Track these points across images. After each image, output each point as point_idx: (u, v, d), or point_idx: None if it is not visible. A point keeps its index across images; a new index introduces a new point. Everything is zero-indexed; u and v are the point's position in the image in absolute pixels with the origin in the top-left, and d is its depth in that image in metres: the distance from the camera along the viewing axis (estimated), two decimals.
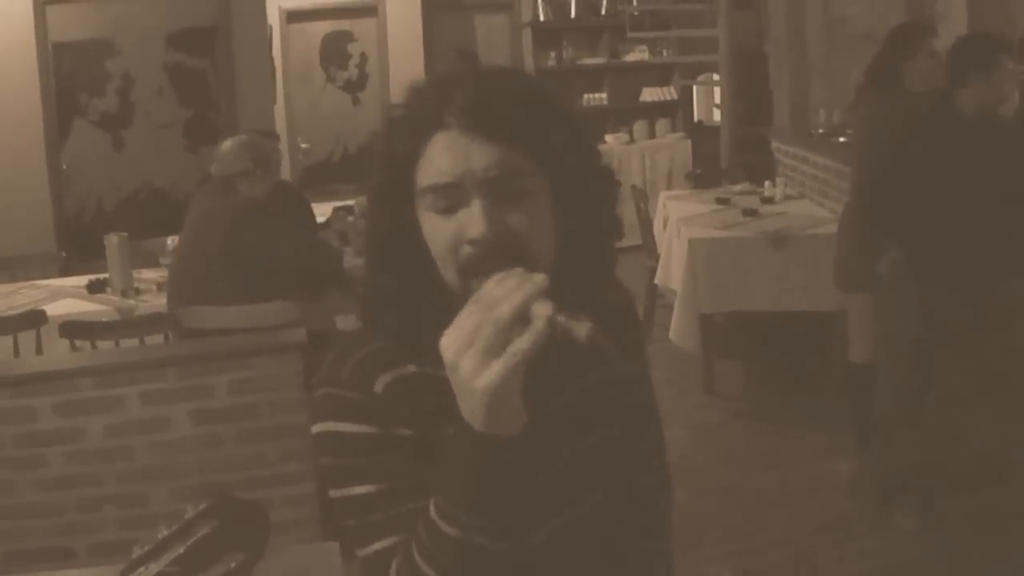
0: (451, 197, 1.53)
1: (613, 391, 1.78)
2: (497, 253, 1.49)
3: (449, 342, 1.38)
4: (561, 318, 1.33)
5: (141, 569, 1.63)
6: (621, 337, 1.78)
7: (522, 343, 1.33)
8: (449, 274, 1.56)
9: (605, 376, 1.76)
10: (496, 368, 1.34)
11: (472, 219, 1.51)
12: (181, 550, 1.63)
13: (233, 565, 1.74)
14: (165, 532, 1.65)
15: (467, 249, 1.52)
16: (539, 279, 1.36)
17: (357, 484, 1.62)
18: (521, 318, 1.35)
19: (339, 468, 1.64)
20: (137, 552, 1.62)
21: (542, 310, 1.34)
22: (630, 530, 1.87)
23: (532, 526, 1.65)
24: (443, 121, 1.54)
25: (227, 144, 5.68)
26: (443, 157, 1.53)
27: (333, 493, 1.66)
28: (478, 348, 1.34)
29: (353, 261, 6.80)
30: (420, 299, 1.63)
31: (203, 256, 5.40)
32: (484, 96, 1.55)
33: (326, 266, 5.67)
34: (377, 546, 1.60)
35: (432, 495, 1.49)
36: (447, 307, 1.51)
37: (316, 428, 1.65)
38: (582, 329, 1.32)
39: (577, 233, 1.63)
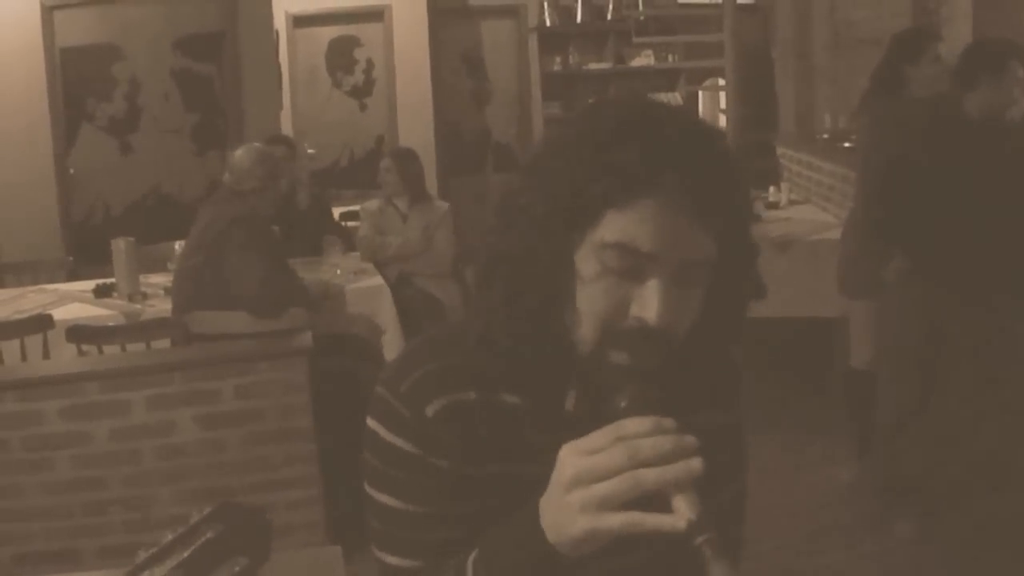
0: (635, 263, 1.43)
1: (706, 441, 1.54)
2: (653, 340, 1.42)
3: (574, 461, 1.32)
4: (702, 541, 1.24)
5: (145, 573, 1.65)
6: (722, 383, 1.79)
7: (649, 523, 1.27)
8: (588, 327, 1.47)
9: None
10: (611, 522, 1.29)
11: (647, 300, 1.42)
12: (185, 554, 1.65)
13: (237, 569, 1.75)
14: (170, 536, 1.67)
15: (628, 322, 1.44)
16: (695, 466, 1.26)
17: (388, 493, 1.61)
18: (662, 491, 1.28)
19: (375, 469, 1.62)
20: (142, 556, 1.64)
21: (685, 508, 1.25)
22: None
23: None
24: (658, 184, 1.41)
25: (241, 155, 5.62)
26: (648, 226, 1.42)
27: (367, 488, 1.64)
28: (603, 492, 1.29)
29: (361, 266, 6.83)
30: (538, 333, 1.51)
31: (203, 263, 5.42)
32: (704, 176, 1.43)
33: (286, 299, 5.55)
34: (394, 561, 1.61)
35: (476, 550, 1.48)
36: (552, 348, 1.50)
37: (367, 420, 1.63)
38: (718, 571, 1.23)
39: (720, 305, 1.53)
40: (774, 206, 8.11)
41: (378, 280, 6.55)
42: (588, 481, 1.29)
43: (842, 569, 5.00)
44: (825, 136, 8.91)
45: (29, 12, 9.49)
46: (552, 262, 1.47)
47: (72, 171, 9.88)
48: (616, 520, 1.28)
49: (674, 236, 1.41)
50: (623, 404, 1.37)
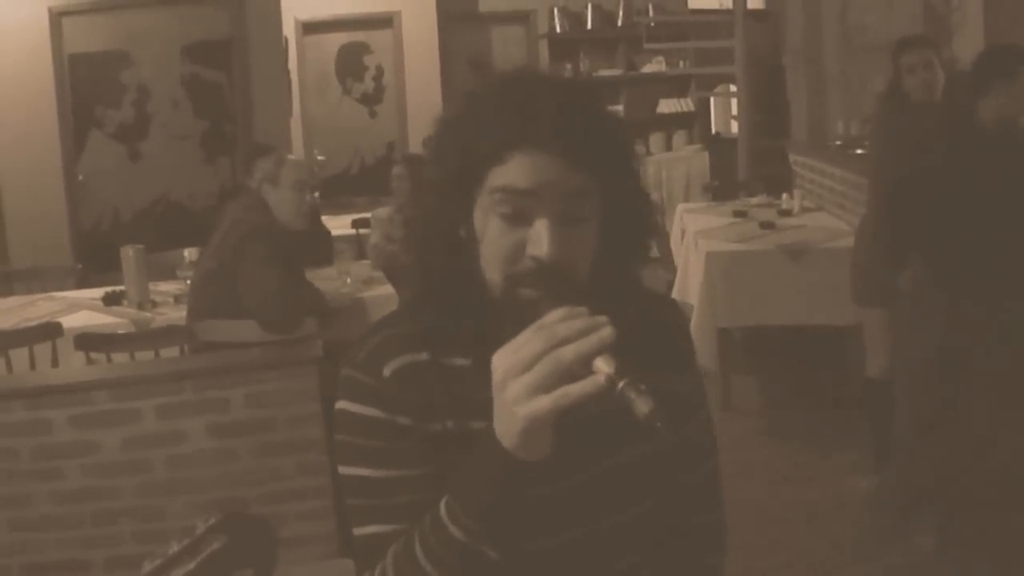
0: (521, 205, 1.57)
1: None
2: (553, 273, 1.53)
3: (502, 361, 1.42)
4: (623, 385, 1.34)
5: None
6: (672, 354, 1.86)
7: (575, 390, 1.36)
8: (495, 275, 1.59)
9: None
10: (543, 403, 1.37)
11: (538, 237, 1.55)
12: (191, 565, 1.63)
13: None
14: (175, 547, 1.65)
15: (526, 262, 1.56)
16: (606, 333, 1.37)
17: (360, 465, 1.69)
18: (582, 363, 1.37)
19: (347, 446, 1.70)
20: (147, 567, 1.61)
21: (604, 367, 1.36)
22: (664, 554, 1.86)
23: (550, 534, 1.70)
24: (529, 137, 1.56)
25: (268, 160, 5.64)
26: (525, 167, 1.56)
27: (340, 469, 1.72)
28: (530, 379, 1.38)
29: (371, 274, 6.79)
30: (457, 289, 1.65)
31: (217, 269, 5.38)
32: (571, 121, 1.58)
33: (298, 314, 5.48)
34: (372, 529, 1.67)
35: (446, 493, 1.53)
36: (480, 301, 1.62)
37: (336, 405, 1.73)
38: (642, 405, 1.33)
39: (616, 237, 1.67)
40: (787, 213, 8.08)
41: (388, 289, 6.51)
42: (516, 373, 1.39)
43: None
44: (837, 143, 8.88)
45: (37, 18, 9.51)
46: (452, 222, 1.64)
47: (81, 178, 9.89)
48: (548, 400, 1.37)
49: (549, 174, 1.55)
50: (543, 304, 1.47)
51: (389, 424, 1.66)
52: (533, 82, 1.65)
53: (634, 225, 1.71)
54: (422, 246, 1.69)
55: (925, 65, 5.48)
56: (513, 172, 1.56)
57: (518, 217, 1.57)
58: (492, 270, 1.60)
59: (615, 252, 1.67)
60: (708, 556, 1.93)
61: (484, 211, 1.60)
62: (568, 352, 1.37)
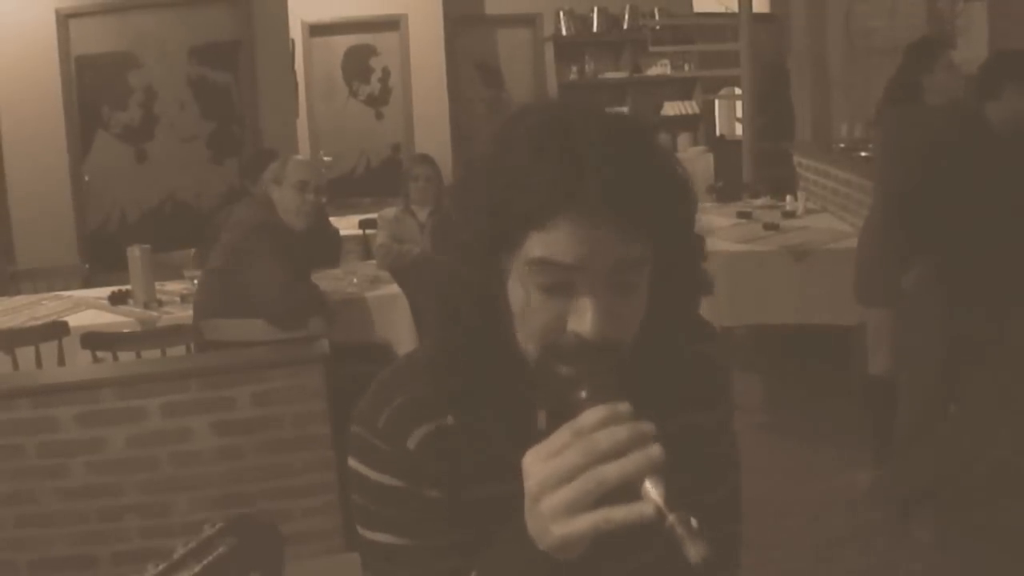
0: (562, 277, 1.40)
1: (689, 443, 1.56)
2: (596, 348, 1.39)
3: (536, 469, 1.30)
4: (673, 519, 1.21)
5: None
6: (701, 383, 1.73)
7: (619, 516, 1.24)
8: (530, 346, 1.45)
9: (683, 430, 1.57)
10: (582, 524, 1.26)
11: (580, 313, 1.40)
12: (197, 569, 1.63)
13: None
14: (181, 550, 1.65)
15: (567, 337, 1.41)
16: (655, 452, 1.24)
17: (381, 531, 1.58)
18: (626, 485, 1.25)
19: (366, 510, 1.59)
20: (151, 570, 1.61)
21: (652, 493, 1.23)
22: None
23: None
24: (575, 200, 1.37)
25: (279, 162, 5.67)
26: (569, 238, 1.38)
27: (361, 531, 1.62)
28: (569, 496, 1.26)
29: (377, 274, 6.80)
30: (488, 355, 1.51)
31: (222, 268, 5.41)
32: (623, 178, 1.39)
33: (307, 310, 5.49)
34: None
35: (475, 568, 1.45)
36: (513, 367, 1.48)
37: (350, 462, 1.61)
38: (693, 550, 1.20)
39: (665, 303, 1.50)
40: (791, 215, 8.09)
41: (394, 288, 6.51)
42: (552, 487, 1.27)
43: (860, 575, 4.97)
44: (841, 145, 8.88)
45: (45, 20, 9.53)
46: (482, 286, 1.46)
47: (87, 178, 9.91)
48: (587, 521, 1.25)
49: (597, 245, 1.38)
50: (584, 395, 1.34)
51: (415, 496, 1.55)
52: (575, 124, 1.43)
53: (686, 285, 1.55)
54: (450, 311, 1.51)
55: (948, 66, 5.49)
56: (556, 243, 1.38)
57: (560, 288, 1.40)
58: (528, 340, 1.45)
59: (663, 314, 1.50)
60: (725, 570, 1.81)
61: (520, 279, 1.43)
62: (612, 472, 1.23)
